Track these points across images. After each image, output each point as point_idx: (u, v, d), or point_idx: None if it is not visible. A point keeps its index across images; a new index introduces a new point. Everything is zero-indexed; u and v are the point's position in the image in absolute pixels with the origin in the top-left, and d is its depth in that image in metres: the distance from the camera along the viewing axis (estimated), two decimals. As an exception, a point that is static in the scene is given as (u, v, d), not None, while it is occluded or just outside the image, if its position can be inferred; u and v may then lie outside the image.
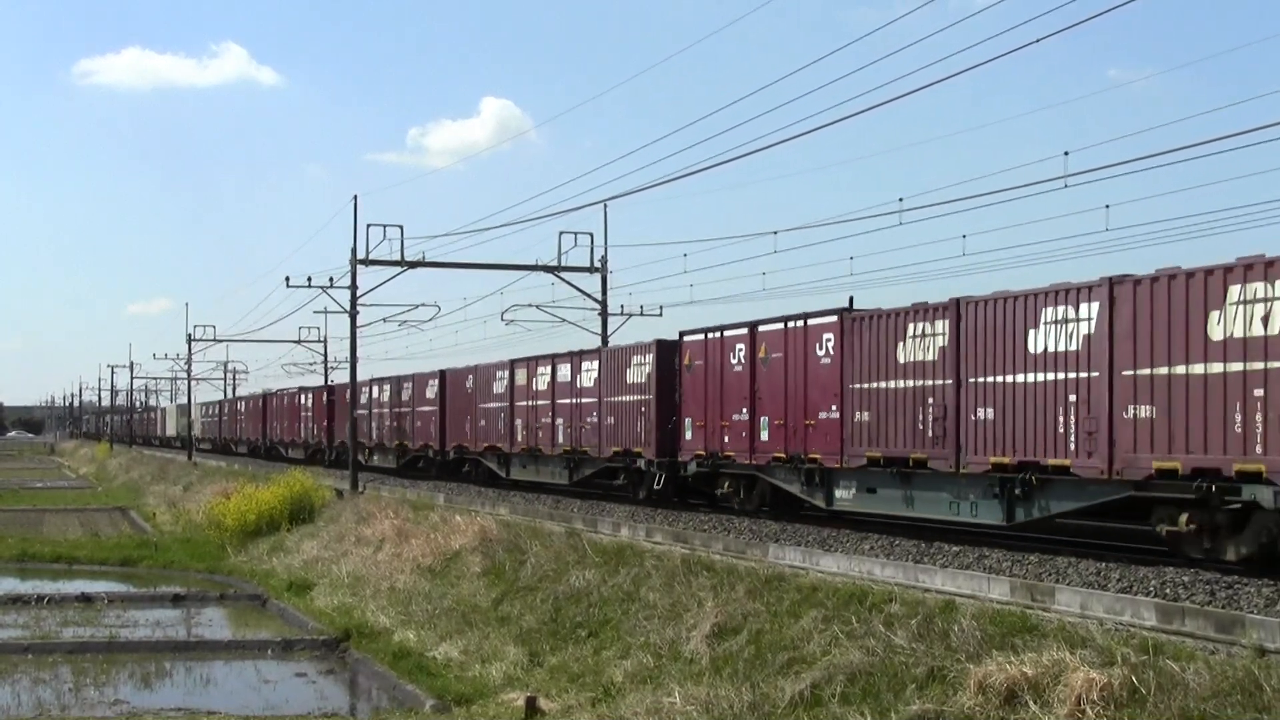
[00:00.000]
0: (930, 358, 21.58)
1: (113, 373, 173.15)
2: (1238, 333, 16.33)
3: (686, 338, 29.30)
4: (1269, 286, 16.04)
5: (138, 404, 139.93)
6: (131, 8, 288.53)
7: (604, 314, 43.70)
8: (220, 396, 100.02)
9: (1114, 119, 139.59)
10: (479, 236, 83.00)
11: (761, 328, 26.43)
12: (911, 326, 22.04)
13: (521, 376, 38.49)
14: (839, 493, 24.20)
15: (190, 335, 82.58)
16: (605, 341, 42.48)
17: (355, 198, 42.72)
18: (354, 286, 43.89)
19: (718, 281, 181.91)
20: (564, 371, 35.67)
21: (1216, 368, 16.58)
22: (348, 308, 44.80)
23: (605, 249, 42.83)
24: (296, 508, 39.47)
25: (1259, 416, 16.03)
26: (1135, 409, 17.74)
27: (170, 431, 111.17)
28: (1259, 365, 16.03)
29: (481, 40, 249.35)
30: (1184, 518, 17.24)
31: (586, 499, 34.55)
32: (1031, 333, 19.50)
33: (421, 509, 33.41)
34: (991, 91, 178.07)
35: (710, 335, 28.20)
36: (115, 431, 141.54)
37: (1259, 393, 16.05)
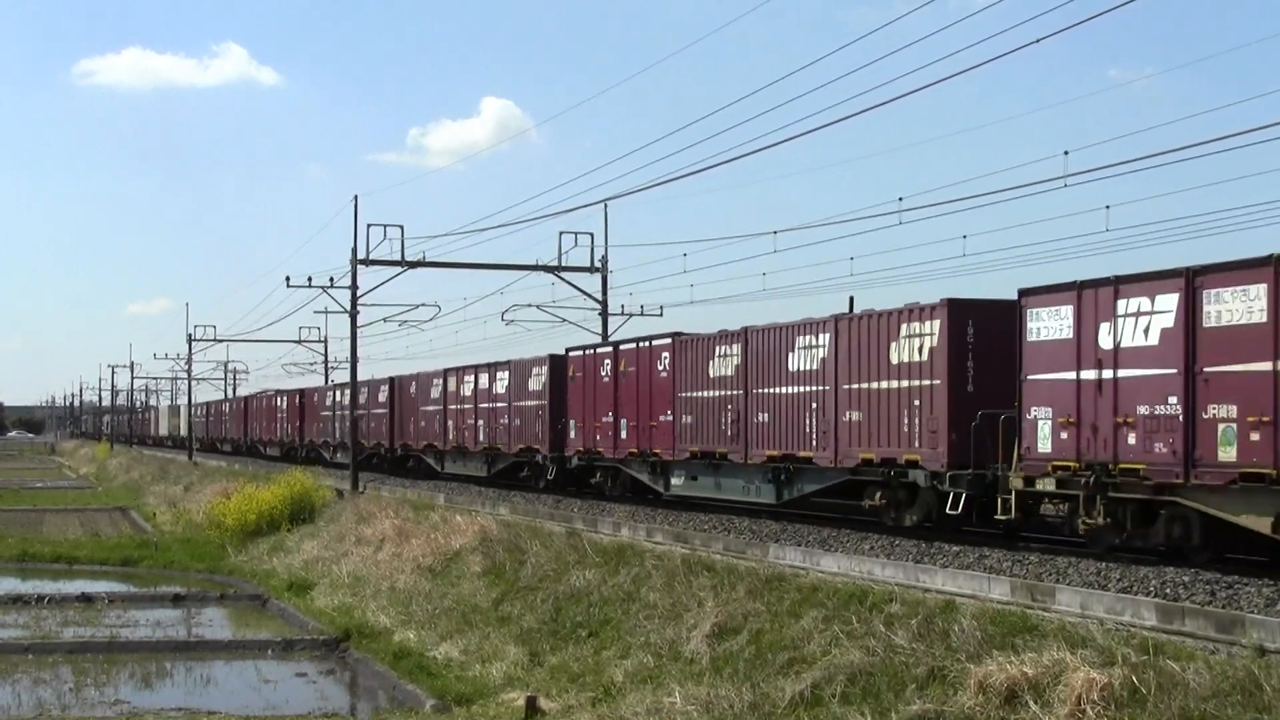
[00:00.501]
0: (729, 373, 27.48)
1: (113, 373, 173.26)
2: (905, 358, 22.31)
3: (571, 353, 35.38)
4: (923, 325, 21.97)
5: (138, 404, 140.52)
6: (131, 8, 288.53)
7: (604, 314, 43.71)
8: (220, 396, 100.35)
9: (1114, 119, 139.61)
10: (479, 236, 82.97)
11: (622, 346, 32.72)
12: (718, 348, 27.87)
13: (452, 384, 44.28)
14: (673, 480, 30.23)
15: (190, 335, 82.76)
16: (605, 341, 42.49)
17: (355, 198, 42.82)
18: (354, 286, 43.92)
19: (718, 281, 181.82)
20: (484, 380, 41.53)
21: (894, 384, 22.57)
22: (348, 308, 44.83)
23: (605, 249, 42.91)
24: (297, 508, 39.48)
25: (916, 420, 21.97)
26: (850, 413, 23.62)
27: (163, 431, 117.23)
28: (917, 382, 22.02)
29: (481, 40, 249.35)
30: (878, 494, 23.31)
31: (500, 488, 40.34)
32: (790, 355, 25.41)
33: (422, 509, 33.41)
34: (991, 91, 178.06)
35: (587, 351, 34.62)
36: (112, 431, 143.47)
37: (916, 403, 21.97)
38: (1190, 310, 16.90)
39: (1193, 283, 16.90)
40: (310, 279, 47.96)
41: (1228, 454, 16.33)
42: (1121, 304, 18.00)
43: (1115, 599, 14.74)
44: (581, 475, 35.10)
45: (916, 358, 21.95)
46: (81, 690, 20.81)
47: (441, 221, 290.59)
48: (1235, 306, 16.39)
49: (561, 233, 42.54)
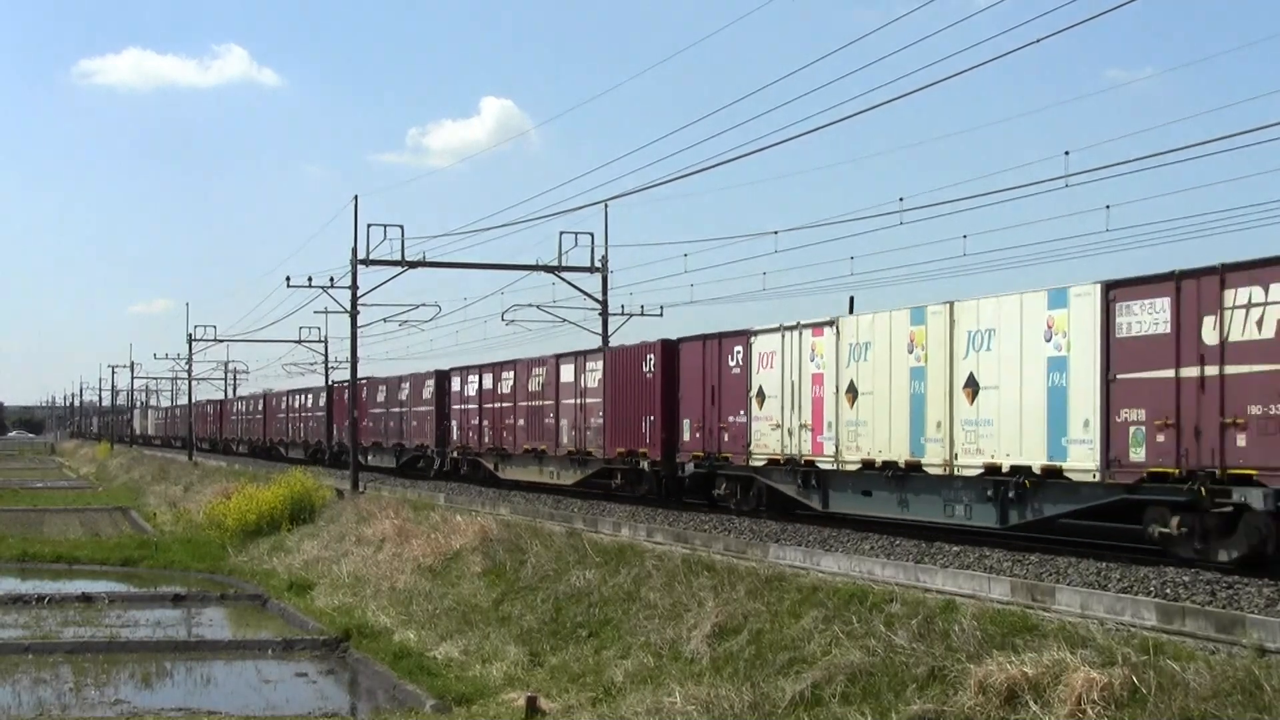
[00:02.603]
0: (383, 399, 52.98)
1: (113, 373, 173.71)
2: (426, 397, 46.21)
3: (334, 385, 62.42)
4: (429, 380, 46.03)
5: (138, 404, 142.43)
6: (131, 8, 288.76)
7: (604, 314, 43.69)
8: (220, 396, 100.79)
9: (1114, 119, 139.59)
10: (479, 236, 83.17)
11: (358, 381, 52.47)
12: (380, 387, 53.69)
13: (293, 400, 70.46)
14: (370, 458, 54.21)
15: (191, 335, 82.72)
16: (606, 342, 42.50)
17: (355, 198, 42.87)
18: (354, 286, 43.92)
19: (718, 281, 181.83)
20: (306, 398, 67.49)
21: (422, 409, 46.04)
22: (348, 308, 44.82)
23: (605, 249, 42.94)
24: (297, 508, 39.47)
25: (428, 426, 46.00)
26: (413, 422, 47.75)
27: (137, 430, 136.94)
28: (426, 408, 46.48)
29: (481, 40, 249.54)
30: (421, 460, 47.65)
31: (307, 462, 60.88)
32: (400, 392, 50.11)
33: (422, 509, 33.41)
34: (991, 91, 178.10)
35: (341, 384, 57.97)
36: (101, 431, 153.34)
37: (429, 418, 45.33)
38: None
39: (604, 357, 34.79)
40: (310, 279, 48.05)
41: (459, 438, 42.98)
42: (473, 377, 42.36)
43: (1115, 599, 14.74)
44: (339, 457, 58.28)
45: (429, 396, 46.22)
46: (81, 690, 20.80)
47: (441, 221, 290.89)
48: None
49: (561, 233, 42.68)
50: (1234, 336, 16.36)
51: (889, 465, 22.31)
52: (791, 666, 15.37)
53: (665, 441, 29.48)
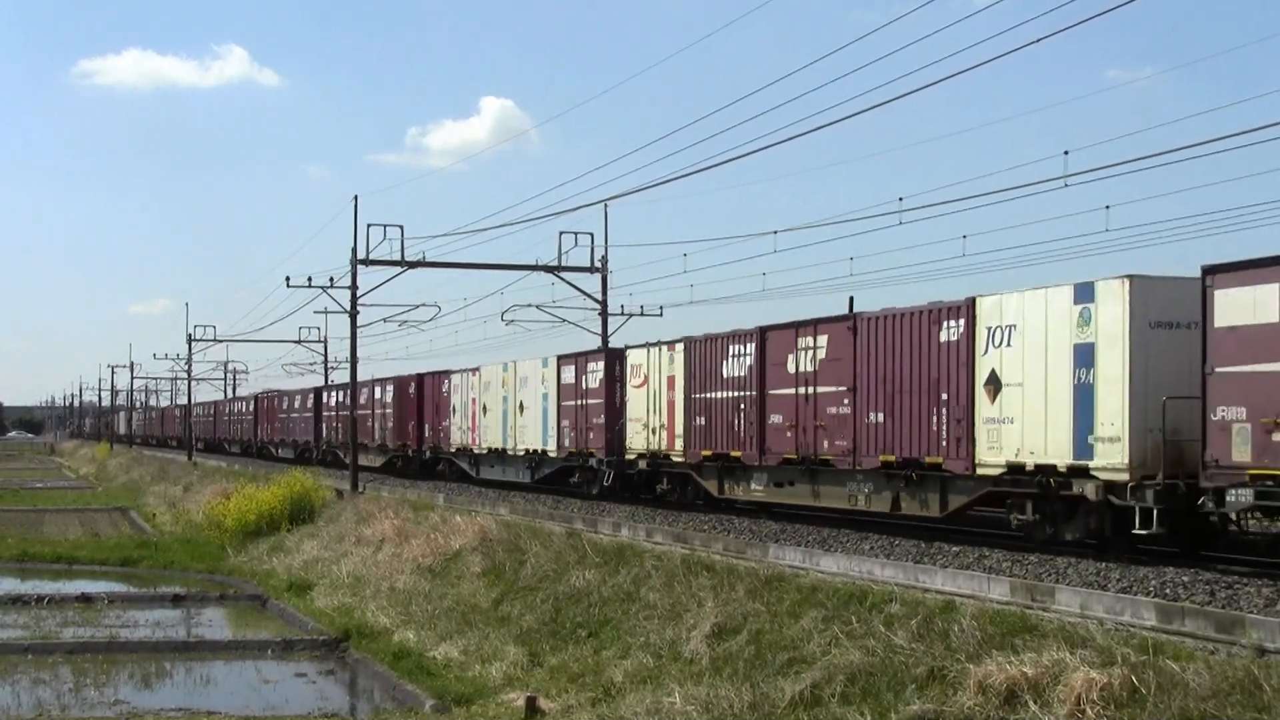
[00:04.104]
0: (285, 408, 71.12)
1: (113, 373, 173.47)
2: (304, 408, 67.14)
3: (259, 396, 78.23)
4: (303, 395, 67.90)
5: (126, 405, 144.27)
6: (132, 9, 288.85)
7: (604, 314, 43.68)
8: (219, 396, 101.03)
9: (1114, 119, 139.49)
10: (479, 236, 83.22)
11: (268, 393, 77.37)
12: (290, 397, 69.87)
13: (233, 408, 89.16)
14: (279, 451, 71.32)
15: (190, 335, 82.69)
16: (605, 342, 42.50)
17: (355, 198, 42.81)
18: (354, 286, 43.87)
19: (718, 281, 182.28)
20: (243, 405, 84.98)
21: (293, 412, 70.01)
22: (348, 308, 44.79)
23: (605, 249, 42.93)
24: (296, 508, 39.42)
25: (329, 430, 63.36)
26: (312, 425, 66.19)
27: (122, 430, 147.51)
28: (301, 413, 69.09)
29: (481, 40, 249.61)
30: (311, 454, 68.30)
31: (252, 457, 75.54)
32: (325, 401, 62.67)
33: (421, 509, 33.40)
34: (991, 91, 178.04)
35: (268, 391, 76.47)
36: (92, 431, 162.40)
37: (335, 420, 62.60)
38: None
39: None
40: (310, 279, 47.94)
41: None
42: (333, 393, 61.03)
43: (1115, 599, 14.74)
44: (264, 450, 75.22)
45: (310, 406, 62.71)
46: (81, 690, 20.79)
47: (441, 221, 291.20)
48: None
49: (561, 233, 42.63)
50: (589, 386, 34.45)
51: (498, 450, 40.61)
52: (791, 667, 15.37)
53: (418, 437, 48.86)
